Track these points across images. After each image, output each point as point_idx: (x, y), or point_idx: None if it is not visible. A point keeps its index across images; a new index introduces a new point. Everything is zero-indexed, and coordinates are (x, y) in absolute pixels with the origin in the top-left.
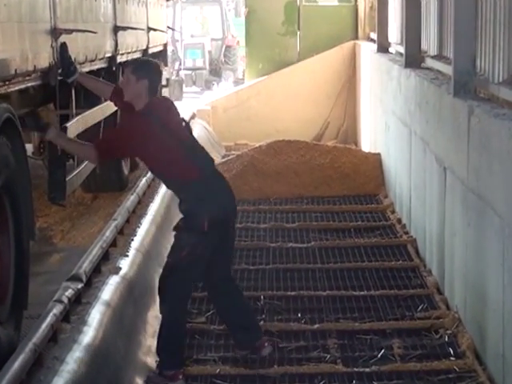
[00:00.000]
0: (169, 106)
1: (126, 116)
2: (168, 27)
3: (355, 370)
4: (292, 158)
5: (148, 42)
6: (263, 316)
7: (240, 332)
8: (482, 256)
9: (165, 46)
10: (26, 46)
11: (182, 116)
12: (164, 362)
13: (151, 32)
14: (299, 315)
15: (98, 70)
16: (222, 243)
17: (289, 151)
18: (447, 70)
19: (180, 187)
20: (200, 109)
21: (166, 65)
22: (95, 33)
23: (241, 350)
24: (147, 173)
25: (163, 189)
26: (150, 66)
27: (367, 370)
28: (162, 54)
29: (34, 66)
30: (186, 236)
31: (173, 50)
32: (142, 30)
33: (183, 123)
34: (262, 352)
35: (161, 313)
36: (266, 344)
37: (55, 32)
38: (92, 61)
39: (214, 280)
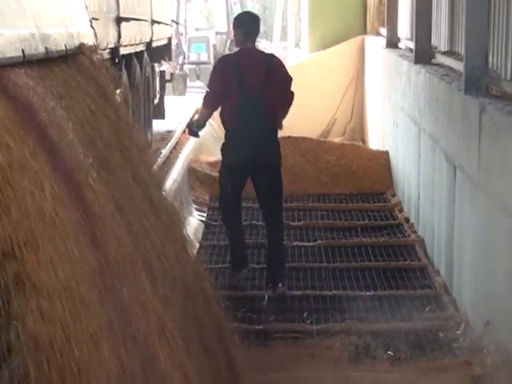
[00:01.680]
0: (257, 60)
1: None
2: (172, 20)
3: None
4: (298, 155)
5: (152, 34)
6: (268, 316)
7: (267, 265)
8: (492, 257)
9: (169, 39)
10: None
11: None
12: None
13: (155, 25)
14: (305, 315)
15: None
16: (256, 184)
17: (295, 148)
18: (458, 66)
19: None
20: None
21: (170, 59)
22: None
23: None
24: None
25: None
26: (244, 16)
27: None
28: (166, 48)
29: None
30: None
31: (177, 44)
32: (146, 21)
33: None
34: (277, 290)
35: None
36: (280, 285)
37: None
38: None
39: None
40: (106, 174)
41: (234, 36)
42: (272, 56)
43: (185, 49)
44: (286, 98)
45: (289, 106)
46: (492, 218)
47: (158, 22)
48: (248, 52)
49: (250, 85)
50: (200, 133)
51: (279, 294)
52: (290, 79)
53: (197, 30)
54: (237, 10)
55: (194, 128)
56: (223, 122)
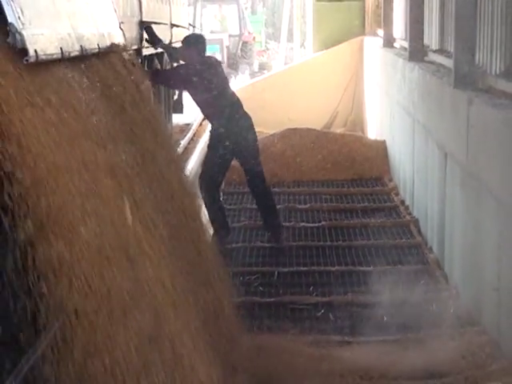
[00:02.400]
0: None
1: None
2: (189, 24)
3: (363, 339)
4: (303, 145)
5: (171, 36)
6: (278, 290)
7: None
8: (480, 235)
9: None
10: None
11: None
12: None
13: (174, 28)
14: (311, 289)
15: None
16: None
17: (300, 138)
18: (448, 63)
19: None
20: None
21: None
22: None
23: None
24: None
25: None
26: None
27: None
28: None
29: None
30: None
31: None
32: (166, 25)
33: None
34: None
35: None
36: (278, 242)
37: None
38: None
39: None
40: (140, 156)
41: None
42: None
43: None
44: None
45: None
46: (479, 199)
47: (177, 26)
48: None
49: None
50: None
51: (278, 248)
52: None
53: (211, 32)
54: (248, 15)
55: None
56: None
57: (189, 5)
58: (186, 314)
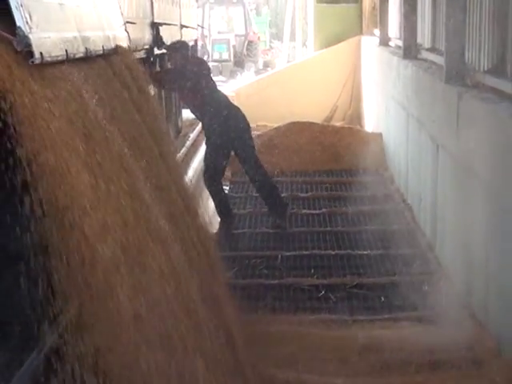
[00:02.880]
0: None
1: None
2: (198, 25)
3: (359, 317)
4: (305, 137)
5: (181, 37)
6: (281, 272)
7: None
8: (469, 221)
9: (195, 41)
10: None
11: None
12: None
13: (184, 29)
14: (312, 271)
15: (138, 59)
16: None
17: (302, 131)
18: (440, 60)
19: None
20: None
21: None
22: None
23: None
24: None
25: None
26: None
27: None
28: (192, 48)
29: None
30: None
31: (202, 45)
32: (176, 26)
33: None
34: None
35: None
36: (278, 221)
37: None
38: (133, 51)
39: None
40: (137, 151)
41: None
42: None
43: (209, 49)
44: None
45: None
46: (469, 187)
47: (186, 27)
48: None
49: None
50: None
51: (276, 226)
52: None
53: (219, 33)
54: (253, 16)
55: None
56: None
57: (197, 7)
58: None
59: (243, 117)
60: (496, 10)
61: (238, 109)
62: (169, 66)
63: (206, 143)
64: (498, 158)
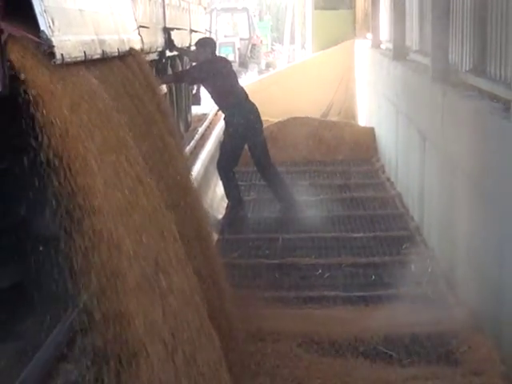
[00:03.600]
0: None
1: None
2: (206, 30)
3: (354, 294)
4: (304, 131)
5: (190, 40)
6: (282, 252)
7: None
8: (453, 206)
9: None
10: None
11: None
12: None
13: (193, 33)
14: (310, 252)
15: (152, 61)
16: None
17: (302, 126)
18: (426, 61)
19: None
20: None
21: None
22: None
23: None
24: None
25: None
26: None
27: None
28: None
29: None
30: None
31: None
32: (186, 30)
33: None
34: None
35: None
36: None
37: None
38: (147, 53)
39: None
40: (141, 138)
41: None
42: None
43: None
44: None
45: None
46: (452, 176)
47: (195, 31)
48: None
49: None
50: None
51: (284, 212)
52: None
53: (225, 36)
54: (256, 22)
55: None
56: None
57: (206, 13)
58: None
59: (258, 111)
60: (476, 15)
61: (254, 104)
62: (191, 63)
63: (224, 133)
64: (478, 150)
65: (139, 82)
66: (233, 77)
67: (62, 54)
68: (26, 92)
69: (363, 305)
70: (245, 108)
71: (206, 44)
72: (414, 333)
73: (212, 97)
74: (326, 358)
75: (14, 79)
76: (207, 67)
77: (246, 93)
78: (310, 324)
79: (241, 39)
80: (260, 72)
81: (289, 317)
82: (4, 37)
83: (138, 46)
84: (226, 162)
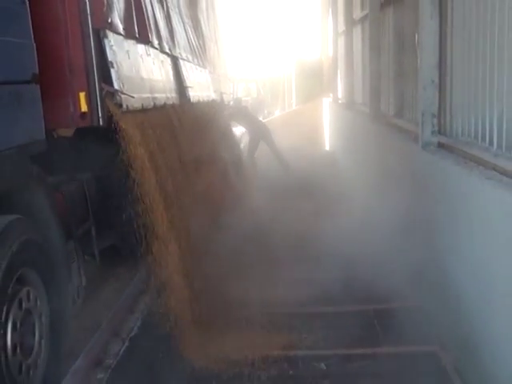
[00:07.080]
0: None
1: None
2: (230, 92)
3: None
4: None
5: (221, 99)
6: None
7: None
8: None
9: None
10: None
11: None
12: None
13: (224, 94)
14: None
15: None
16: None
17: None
18: (366, 109)
19: None
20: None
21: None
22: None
23: None
24: None
25: None
26: None
27: None
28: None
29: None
30: None
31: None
32: (218, 91)
33: None
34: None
35: None
36: None
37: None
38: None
39: None
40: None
41: None
42: None
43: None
44: None
45: None
46: (384, 181)
47: (225, 93)
48: None
49: None
50: None
51: (284, 169)
52: None
53: (242, 97)
54: (261, 87)
55: None
56: None
57: (230, 82)
58: None
59: (267, 127)
60: (396, 75)
61: (265, 124)
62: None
63: (249, 140)
64: (395, 165)
65: (178, 120)
66: (252, 115)
67: (127, 105)
68: (116, 126)
69: None
70: (259, 126)
71: (241, 100)
72: None
73: (243, 125)
74: None
75: (110, 119)
76: (241, 112)
77: (260, 121)
78: None
79: (252, 98)
80: (263, 117)
81: None
82: (104, 92)
83: (176, 101)
84: (251, 152)
